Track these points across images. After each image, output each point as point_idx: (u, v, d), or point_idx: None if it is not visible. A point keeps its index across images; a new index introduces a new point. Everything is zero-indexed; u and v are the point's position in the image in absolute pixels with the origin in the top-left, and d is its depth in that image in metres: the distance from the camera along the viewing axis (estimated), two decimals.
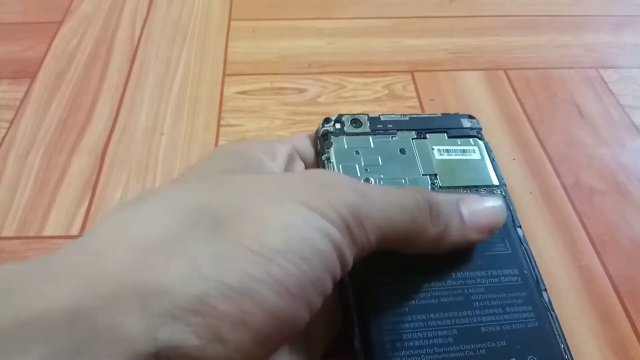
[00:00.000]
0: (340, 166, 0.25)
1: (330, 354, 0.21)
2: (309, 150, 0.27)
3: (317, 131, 0.27)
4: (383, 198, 0.19)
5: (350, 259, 0.18)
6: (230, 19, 0.44)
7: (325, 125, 0.27)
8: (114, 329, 0.13)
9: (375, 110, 0.36)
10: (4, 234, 0.28)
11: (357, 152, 0.26)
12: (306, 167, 0.26)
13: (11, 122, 0.35)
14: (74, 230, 0.29)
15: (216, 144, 0.34)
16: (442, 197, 0.21)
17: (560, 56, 0.41)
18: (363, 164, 0.26)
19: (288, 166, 0.24)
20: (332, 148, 0.26)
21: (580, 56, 0.41)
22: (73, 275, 0.14)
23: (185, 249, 0.15)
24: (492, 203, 0.22)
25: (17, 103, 0.36)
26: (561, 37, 0.43)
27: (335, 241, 0.17)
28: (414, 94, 0.37)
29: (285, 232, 0.16)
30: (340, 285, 0.22)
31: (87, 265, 0.15)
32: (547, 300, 0.22)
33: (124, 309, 0.14)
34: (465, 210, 0.21)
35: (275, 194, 0.17)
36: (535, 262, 0.23)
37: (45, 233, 0.29)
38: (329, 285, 0.17)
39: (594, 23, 0.45)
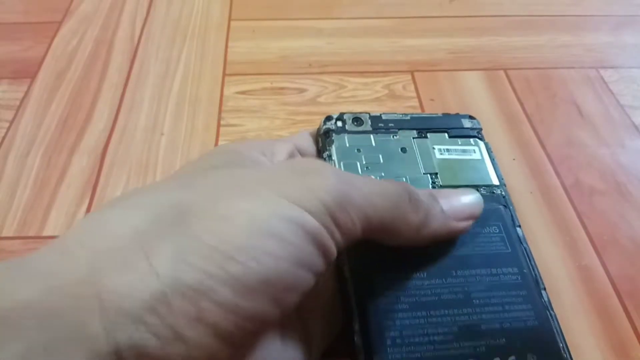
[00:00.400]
0: (342, 164, 0.25)
1: (330, 353, 0.21)
2: (311, 148, 0.27)
3: (319, 129, 0.27)
4: (365, 184, 0.19)
5: (333, 247, 0.17)
6: (230, 19, 0.44)
7: (327, 123, 0.27)
8: (79, 329, 0.14)
9: (375, 110, 0.36)
10: (4, 233, 0.28)
11: (358, 150, 0.26)
12: None
13: (11, 122, 0.35)
14: None
15: (216, 144, 0.34)
16: (419, 190, 0.21)
17: (560, 56, 0.41)
18: (364, 162, 0.26)
19: None
20: (333, 146, 0.26)
21: (580, 56, 0.41)
22: (45, 275, 0.14)
23: (146, 247, 0.15)
24: (468, 193, 0.23)
25: (17, 103, 0.36)
26: (561, 37, 0.43)
27: (311, 230, 0.16)
28: (414, 94, 0.37)
29: (250, 226, 0.16)
30: (340, 282, 0.22)
31: (57, 264, 0.15)
32: (546, 299, 0.22)
33: (88, 308, 0.14)
34: (443, 200, 0.22)
35: (251, 186, 0.17)
36: (534, 262, 0.23)
37: (45, 233, 0.29)
38: (306, 279, 0.17)
39: (594, 23, 0.45)
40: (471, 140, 0.28)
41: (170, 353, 0.14)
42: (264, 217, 0.16)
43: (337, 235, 0.17)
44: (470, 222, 0.22)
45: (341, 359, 0.22)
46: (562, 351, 0.20)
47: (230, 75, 0.39)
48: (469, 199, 0.23)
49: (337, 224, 0.17)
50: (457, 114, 0.29)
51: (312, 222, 0.16)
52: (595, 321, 0.25)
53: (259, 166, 0.22)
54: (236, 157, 0.22)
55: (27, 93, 0.37)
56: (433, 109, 0.36)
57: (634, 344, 0.24)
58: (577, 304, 0.26)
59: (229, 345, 0.16)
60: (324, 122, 0.27)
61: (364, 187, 0.19)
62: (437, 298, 0.21)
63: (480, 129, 0.28)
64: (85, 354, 0.13)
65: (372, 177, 0.20)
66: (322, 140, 0.27)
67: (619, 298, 0.26)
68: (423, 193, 0.21)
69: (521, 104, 0.37)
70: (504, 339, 0.20)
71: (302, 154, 0.26)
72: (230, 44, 0.42)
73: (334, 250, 0.17)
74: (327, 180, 0.18)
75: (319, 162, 0.19)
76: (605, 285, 0.27)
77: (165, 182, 0.19)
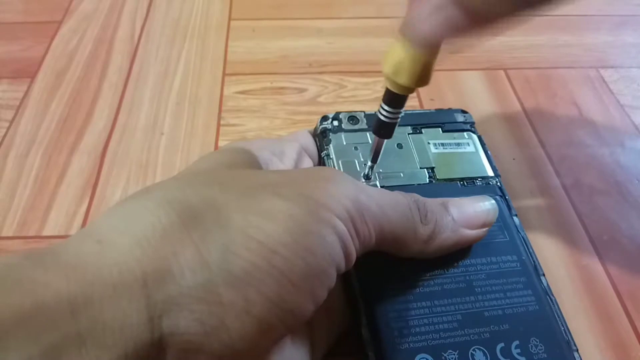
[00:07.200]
0: (340, 162, 0.26)
1: (333, 353, 0.21)
2: (314, 146, 0.27)
3: (316, 129, 0.28)
4: (378, 194, 0.19)
5: (354, 253, 0.18)
6: (230, 19, 0.44)
7: (324, 123, 0.27)
8: (119, 317, 0.14)
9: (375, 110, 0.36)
10: (4, 233, 0.28)
11: (355, 148, 0.26)
12: (314, 164, 0.27)
13: (11, 122, 0.35)
14: (74, 230, 0.29)
15: (216, 144, 0.34)
16: (429, 199, 0.21)
17: (560, 56, 0.41)
18: (362, 159, 0.26)
19: (297, 165, 0.25)
20: (331, 145, 0.26)
21: (580, 56, 0.41)
22: (80, 264, 0.14)
23: (191, 238, 0.15)
24: (482, 201, 0.23)
25: (17, 103, 0.36)
26: (561, 37, 0.43)
27: (341, 233, 0.17)
28: (414, 94, 0.37)
29: (291, 223, 0.16)
30: (345, 276, 0.22)
31: (94, 254, 0.15)
32: (545, 284, 0.22)
33: (130, 296, 0.14)
34: (454, 209, 0.22)
35: (280, 187, 0.18)
36: (532, 249, 0.24)
37: (45, 233, 0.29)
38: (333, 278, 0.17)
39: (594, 23, 0.45)
40: (465, 134, 0.28)
41: (212, 341, 0.15)
42: (303, 216, 0.17)
43: (357, 242, 0.18)
44: (483, 230, 0.22)
45: (346, 358, 0.22)
46: (564, 334, 0.21)
47: (230, 75, 0.39)
48: (482, 207, 0.23)
49: (357, 232, 0.18)
50: (450, 109, 0.29)
51: (341, 226, 0.17)
52: (595, 321, 0.25)
53: (275, 168, 0.23)
54: (251, 158, 0.22)
55: (27, 93, 0.37)
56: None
57: (634, 344, 0.24)
58: (577, 304, 0.26)
59: (268, 338, 0.16)
60: (321, 122, 0.27)
61: (378, 197, 0.19)
62: (440, 288, 0.22)
63: (473, 123, 0.29)
64: (126, 343, 0.14)
65: (382, 188, 0.21)
66: (320, 140, 0.27)
67: (619, 298, 0.26)
68: (434, 202, 0.21)
69: (521, 104, 0.37)
70: (507, 325, 0.21)
71: (308, 152, 0.26)
72: (230, 43, 0.41)
73: (354, 256, 0.18)
74: (348, 190, 0.18)
75: (334, 170, 0.20)
76: (605, 285, 0.27)
77: (189, 178, 0.19)
